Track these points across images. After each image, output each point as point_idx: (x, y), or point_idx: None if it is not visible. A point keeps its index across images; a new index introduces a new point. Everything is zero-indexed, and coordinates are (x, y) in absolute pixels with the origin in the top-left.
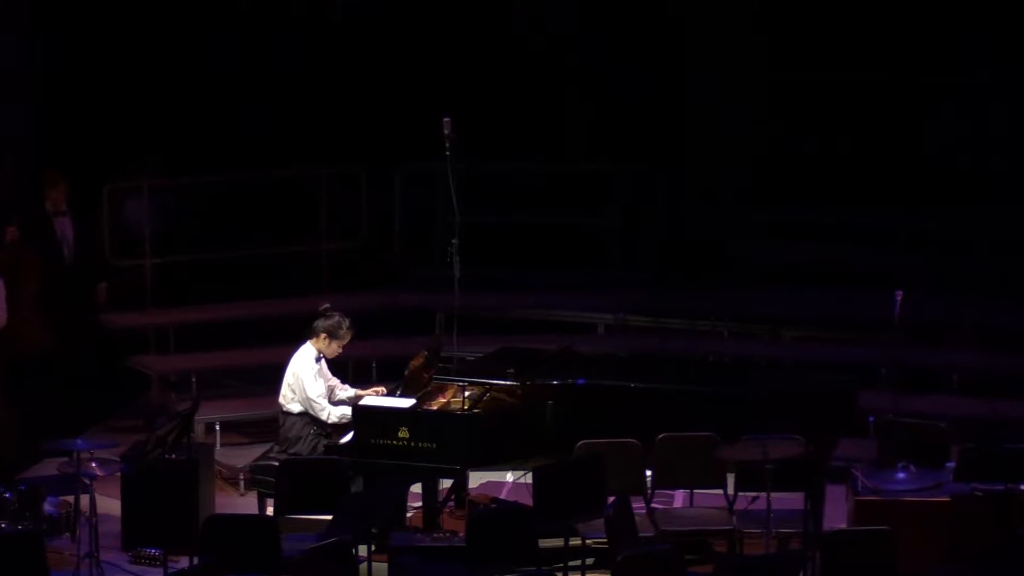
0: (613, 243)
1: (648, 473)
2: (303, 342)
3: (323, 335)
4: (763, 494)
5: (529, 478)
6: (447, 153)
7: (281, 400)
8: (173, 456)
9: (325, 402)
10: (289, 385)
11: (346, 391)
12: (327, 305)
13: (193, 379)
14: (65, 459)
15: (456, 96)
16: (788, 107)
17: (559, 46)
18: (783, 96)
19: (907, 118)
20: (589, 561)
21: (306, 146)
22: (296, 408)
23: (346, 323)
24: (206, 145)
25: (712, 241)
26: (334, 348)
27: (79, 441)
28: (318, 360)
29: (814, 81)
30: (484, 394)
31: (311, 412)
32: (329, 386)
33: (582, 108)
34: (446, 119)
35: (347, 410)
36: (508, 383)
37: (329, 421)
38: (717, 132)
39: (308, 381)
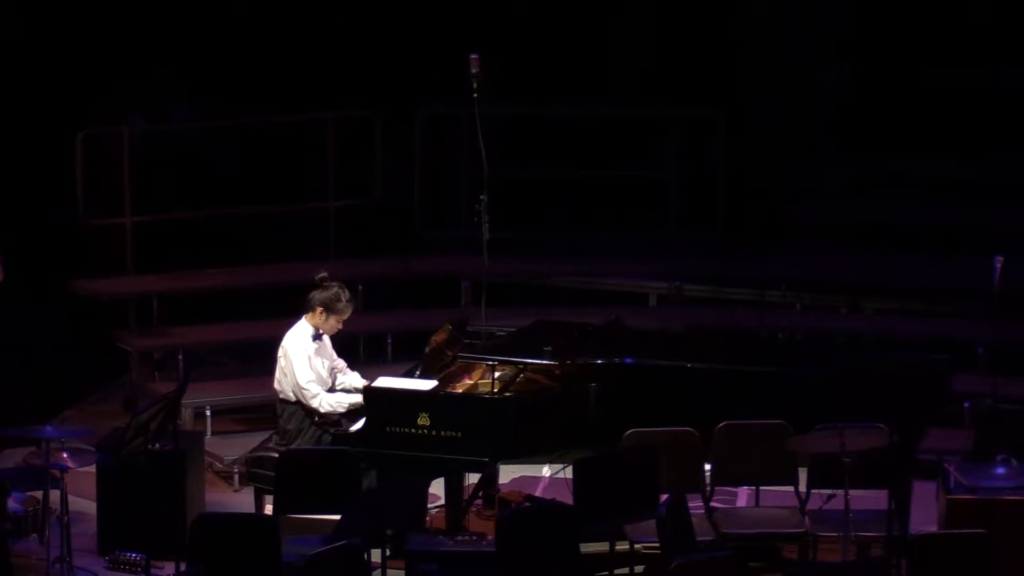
0: (667, 199)
1: (707, 467)
2: (299, 317)
3: (319, 309)
4: (840, 492)
5: (569, 472)
6: (475, 95)
7: (276, 386)
8: (156, 446)
9: (317, 387)
10: (282, 368)
11: (350, 377)
12: (324, 273)
13: (180, 357)
14: (32, 449)
15: (485, 29)
16: (873, 35)
17: None
18: (866, 21)
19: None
20: (638, 568)
21: (310, 87)
22: (293, 395)
23: (345, 295)
24: (194, 86)
25: (782, 197)
26: (332, 324)
27: (48, 428)
28: (316, 338)
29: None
30: (517, 375)
31: (301, 400)
32: (332, 368)
33: (632, 43)
34: (473, 56)
35: (344, 397)
36: (545, 362)
37: (321, 410)
38: (788, 67)
39: (299, 364)
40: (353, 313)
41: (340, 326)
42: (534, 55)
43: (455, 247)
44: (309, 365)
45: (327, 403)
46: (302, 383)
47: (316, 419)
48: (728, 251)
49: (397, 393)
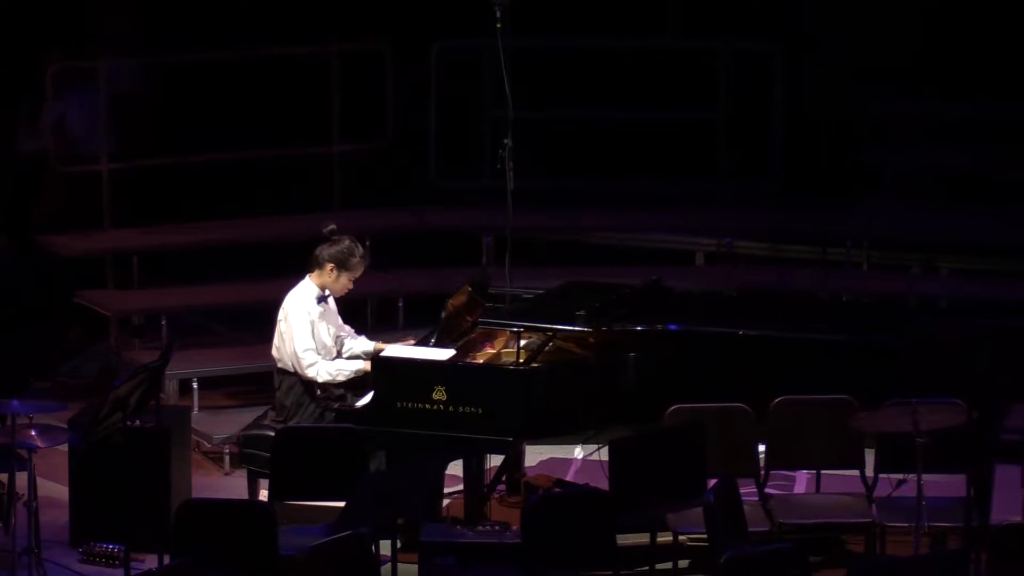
0: (717, 144)
1: (761, 448)
2: (302, 276)
3: (329, 266)
4: (913, 477)
5: (604, 454)
6: (498, 26)
7: (275, 353)
8: (136, 423)
9: (315, 355)
10: (281, 334)
11: (358, 342)
12: (333, 226)
13: (163, 322)
14: None
15: None
16: None
17: None
18: None
19: None
20: (683, 563)
21: (312, 15)
22: (292, 364)
23: (358, 250)
24: (179, 14)
25: (848, 141)
26: (343, 283)
27: (14, 402)
28: (321, 301)
29: None
30: (545, 343)
31: (297, 369)
32: (338, 336)
33: None
34: None
35: (345, 364)
36: (577, 329)
37: (318, 380)
38: None
39: (299, 329)
40: (362, 273)
41: (351, 285)
42: None
43: (475, 198)
44: (311, 331)
45: (325, 372)
46: (299, 350)
47: (319, 393)
48: (785, 203)
49: (409, 364)
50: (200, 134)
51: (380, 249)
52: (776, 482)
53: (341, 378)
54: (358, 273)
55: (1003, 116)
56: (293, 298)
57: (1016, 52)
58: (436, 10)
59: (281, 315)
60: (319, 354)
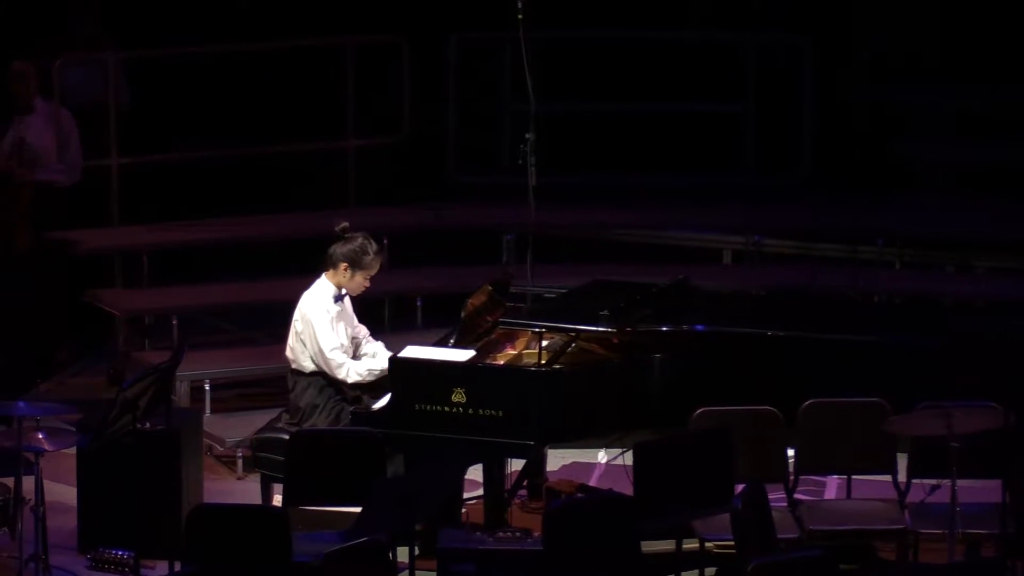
0: (744, 138)
1: (791, 453)
2: (317, 275)
3: (343, 265)
4: (946, 482)
5: (628, 458)
6: (519, 17)
7: (289, 354)
8: (147, 425)
9: (343, 356)
10: (298, 334)
11: (374, 346)
12: (345, 224)
13: (174, 321)
14: (2, 428)
15: None
16: None
17: None
18: None
19: None
20: (709, 571)
21: (327, 7)
22: (309, 366)
23: (372, 246)
24: (190, 7)
25: (880, 135)
26: (359, 281)
27: (21, 404)
28: (338, 300)
29: None
30: (568, 344)
31: (325, 370)
32: (353, 338)
33: None
34: None
35: (374, 364)
36: (601, 329)
37: (349, 381)
38: None
39: (321, 329)
40: (379, 271)
41: (367, 283)
42: None
43: (496, 194)
44: (332, 330)
45: (355, 372)
46: (326, 351)
47: (335, 394)
48: (815, 199)
49: (428, 365)
50: (212, 130)
51: (397, 247)
52: (806, 487)
53: (371, 378)
54: (373, 271)
55: None
56: (310, 298)
57: None
58: (453, 1)
59: (297, 315)
60: (344, 353)
